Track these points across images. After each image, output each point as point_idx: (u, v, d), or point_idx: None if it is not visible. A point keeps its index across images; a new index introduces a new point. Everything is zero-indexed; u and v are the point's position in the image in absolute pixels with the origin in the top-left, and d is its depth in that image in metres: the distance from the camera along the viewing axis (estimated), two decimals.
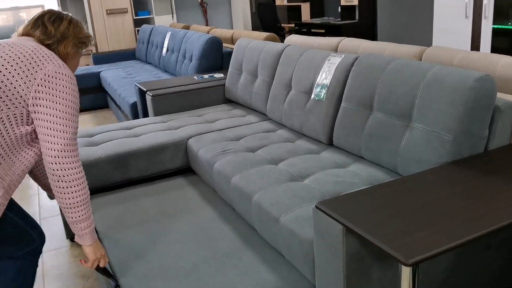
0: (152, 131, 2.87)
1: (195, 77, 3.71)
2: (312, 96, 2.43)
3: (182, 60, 4.49)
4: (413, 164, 1.83)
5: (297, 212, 1.72)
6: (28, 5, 6.55)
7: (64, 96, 1.46)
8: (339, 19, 6.53)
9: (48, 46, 1.57)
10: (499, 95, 1.90)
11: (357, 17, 6.17)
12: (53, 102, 1.45)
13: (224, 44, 4.52)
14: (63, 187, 1.47)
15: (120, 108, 4.62)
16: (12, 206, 1.61)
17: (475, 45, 4.20)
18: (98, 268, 1.69)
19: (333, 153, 2.25)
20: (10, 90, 1.41)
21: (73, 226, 1.55)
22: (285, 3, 7.75)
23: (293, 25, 7.28)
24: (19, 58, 1.44)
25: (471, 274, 1.66)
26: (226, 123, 2.93)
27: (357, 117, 2.12)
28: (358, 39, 2.84)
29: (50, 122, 1.45)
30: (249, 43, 3.28)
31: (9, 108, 1.42)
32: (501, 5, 3.94)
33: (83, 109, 5.61)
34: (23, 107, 1.44)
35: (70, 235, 2.58)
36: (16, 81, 1.41)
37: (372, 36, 6.23)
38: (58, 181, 1.47)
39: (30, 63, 1.44)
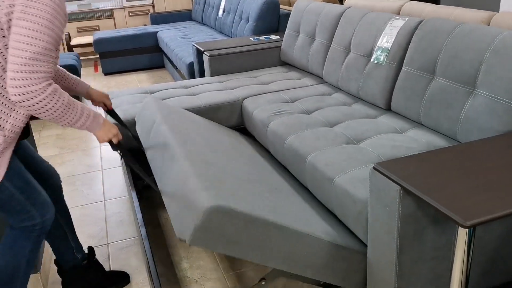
0: (209, 91, 2.94)
1: (251, 39, 3.72)
2: (372, 60, 2.40)
3: (238, 21, 4.49)
4: (475, 132, 1.79)
5: (352, 173, 1.74)
6: None
7: (35, 15, 1.31)
8: None
9: None
10: None
11: None
12: (20, 22, 1.31)
13: (281, 6, 4.48)
14: (34, 108, 1.37)
15: (176, 68, 4.72)
16: (14, 175, 1.51)
17: None
18: (116, 149, 1.70)
19: (391, 118, 2.24)
20: None
21: (73, 127, 1.51)
22: None
23: None
24: None
25: None
26: (281, 85, 2.95)
27: (418, 82, 2.08)
28: (422, 3, 2.74)
29: (18, 40, 1.31)
30: (308, 4, 3.24)
31: (3, 36, 1.35)
32: None
33: (141, 68, 5.77)
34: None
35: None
36: None
37: (436, 0, 5.95)
38: (23, 100, 1.34)
39: None
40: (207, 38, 4.84)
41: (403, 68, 2.18)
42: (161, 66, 5.85)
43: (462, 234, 1.23)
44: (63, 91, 1.44)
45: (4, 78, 1.40)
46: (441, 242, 1.47)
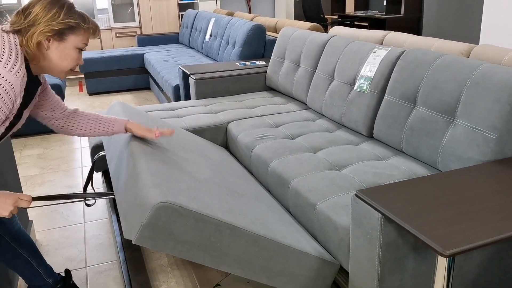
0: (194, 113, 2.95)
1: (237, 64, 3.76)
2: (355, 88, 2.44)
3: (225, 46, 4.54)
4: (454, 161, 1.82)
5: (335, 199, 1.75)
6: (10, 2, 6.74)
7: None
8: (384, 13, 6.43)
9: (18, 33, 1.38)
10: None
11: (402, 12, 6.06)
12: None
13: (267, 32, 4.55)
14: None
15: (162, 90, 4.73)
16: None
17: None
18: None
19: (373, 145, 2.26)
20: None
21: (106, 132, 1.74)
22: None
23: (336, 16, 7.22)
24: None
25: (504, 274, 1.65)
26: (266, 110, 2.97)
27: (400, 110, 2.12)
28: (404, 34, 2.82)
29: None
30: (293, 32, 3.30)
31: None
32: None
33: (126, 89, 5.76)
34: None
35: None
36: None
37: (417, 31, 6.12)
38: None
39: None
40: (194, 62, 4.88)
41: (385, 97, 2.23)
42: (147, 87, 5.86)
43: (442, 263, 1.24)
44: None
45: None
46: (422, 270, 1.48)
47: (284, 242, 1.52)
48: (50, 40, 1.41)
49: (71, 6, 1.45)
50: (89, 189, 2.24)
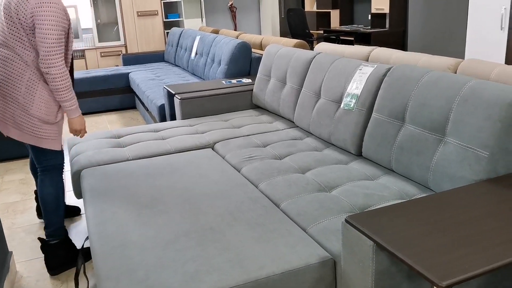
0: (179, 135, 2.88)
1: (223, 82, 3.71)
2: (342, 105, 2.40)
3: (210, 64, 4.50)
4: (446, 180, 1.78)
5: (325, 223, 1.69)
6: None
7: (49, 18, 2.02)
8: (369, 27, 6.46)
9: None
10: None
11: (387, 26, 6.09)
12: (37, 29, 2.03)
13: (252, 50, 4.52)
14: (50, 77, 2.08)
15: (147, 110, 4.66)
16: None
17: (510, 58, 4.09)
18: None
19: (362, 164, 2.21)
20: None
21: (62, 105, 2.16)
22: (315, 9, 7.72)
23: (322, 32, 7.24)
24: None
25: None
26: (253, 129, 2.92)
27: (388, 128, 2.08)
28: (390, 49, 2.79)
29: (40, 34, 2.04)
30: (278, 49, 3.26)
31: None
32: None
33: (111, 109, 5.69)
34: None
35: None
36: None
37: (403, 45, 6.14)
38: (47, 73, 2.07)
39: None
40: (180, 80, 4.82)
41: (373, 115, 2.18)
42: (133, 107, 5.79)
43: None
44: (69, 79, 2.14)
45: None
46: None
47: (262, 276, 1.44)
48: None
49: None
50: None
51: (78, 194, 2.53)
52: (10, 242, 2.66)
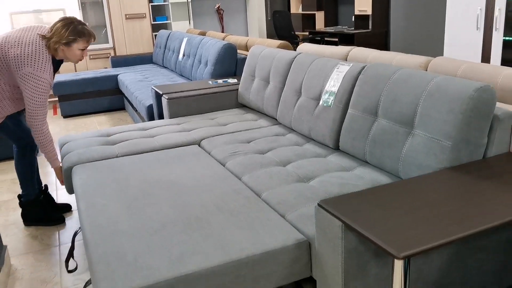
0: (167, 133, 3.00)
1: (210, 82, 3.83)
2: (321, 103, 2.53)
3: (197, 65, 4.62)
4: (414, 169, 1.91)
5: (301, 210, 1.82)
6: (50, 9, 6.76)
7: (34, 88, 2.41)
8: (353, 28, 6.62)
9: (47, 39, 2.45)
10: (500, 104, 1.98)
11: (370, 27, 6.25)
12: (26, 90, 2.42)
13: (238, 51, 4.65)
14: (33, 134, 2.52)
15: (136, 110, 4.77)
16: (11, 118, 2.65)
17: (486, 56, 4.25)
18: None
19: (339, 157, 2.35)
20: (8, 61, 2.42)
21: (47, 158, 2.60)
22: (300, 11, 7.87)
23: (307, 33, 7.39)
24: (22, 44, 2.41)
25: (464, 275, 1.74)
26: (238, 126, 3.04)
27: (363, 123, 2.21)
28: (368, 49, 2.94)
29: (26, 97, 2.44)
30: (262, 50, 3.39)
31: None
32: None
33: (101, 110, 5.77)
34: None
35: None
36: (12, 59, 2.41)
37: (385, 46, 6.31)
38: (30, 125, 2.50)
39: (22, 56, 2.39)
40: (168, 81, 4.94)
41: (349, 111, 2.32)
42: (122, 108, 5.88)
43: (398, 266, 1.31)
44: (49, 135, 2.57)
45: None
46: (383, 275, 1.55)
47: (242, 256, 1.56)
48: (61, 46, 2.47)
49: (75, 26, 2.47)
50: (71, 261, 2.44)
51: (70, 189, 2.63)
52: (4, 237, 2.75)
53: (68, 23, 2.47)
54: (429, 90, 1.92)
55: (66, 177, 2.59)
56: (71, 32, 2.46)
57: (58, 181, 3.59)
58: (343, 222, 1.42)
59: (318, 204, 1.52)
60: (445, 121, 1.81)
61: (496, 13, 3.98)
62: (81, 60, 2.59)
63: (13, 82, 2.48)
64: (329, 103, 2.46)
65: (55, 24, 2.48)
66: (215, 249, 1.60)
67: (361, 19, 6.43)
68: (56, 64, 2.62)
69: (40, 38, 2.44)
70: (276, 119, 3.13)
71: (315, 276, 1.67)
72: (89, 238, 1.76)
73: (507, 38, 3.98)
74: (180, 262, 1.53)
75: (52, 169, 3.77)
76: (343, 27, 7.07)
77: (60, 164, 2.65)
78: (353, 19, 6.75)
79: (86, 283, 1.94)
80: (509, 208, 1.42)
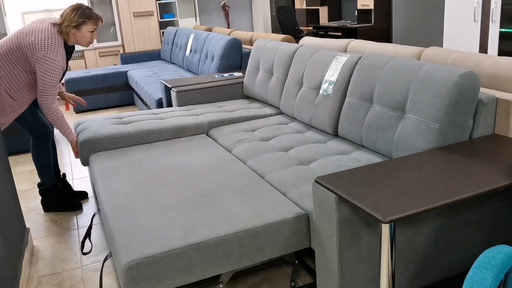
0: (176, 116, 3.17)
1: (216, 76, 4.00)
2: (321, 92, 2.69)
3: (204, 60, 4.79)
4: (405, 151, 2.07)
5: (301, 189, 1.98)
6: (60, 8, 6.96)
7: (47, 70, 2.59)
8: (356, 23, 6.75)
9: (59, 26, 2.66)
10: (486, 90, 2.13)
11: (372, 21, 6.39)
12: (40, 71, 2.60)
13: (243, 46, 4.81)
14: (45, 112, 2.70)
15: (146, 105, 4.95)
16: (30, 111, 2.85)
17: (483, 48, 4.38)
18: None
19: (338, 142, 2.51)
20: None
21: (62, 133, 2.77)
22: (304, 6, 8.01)
23: (311, 28, 7.53)
24: (34, 34, 2.60)
25: (452, 247, 1.89)
26: (244, 113, 3.20)
27: (359, 110, 2.37)
28: (366, 41, 3.09)
29: (38, 78, 2.62)
30: (265, 44, 3.55)
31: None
32: (508, 9, 4.13)
33: (111, 106, 5.97)
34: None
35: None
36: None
37: (387, 39, 6.44)
38: (43, 107, 2.69)
39: (36, 42, 2.58)
40: (175, 76, 5.11)
41: (347, 98, 2.48)
42: (131, 103, 6.07)
43: (385, 230, 1.47)
44: (59, 111, 2.75)
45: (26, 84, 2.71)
46: (375, 243, 1.71)
47: (247, 227, 1.73)
48: (72, 30, 2.66)
49: (83, 10, 2.68)
50: (87, 243, 2.62)
51: (85, 162, 2.83)
52: (26, 222, 2.95)
53: (77, 8, 2.67)
54: (419, 77, 2.07)
55: (81, 150, 2.77)
56: (80, 15, 2.65)
57: (73, 168, 3.78)
58: (337, 195, 1.58)
59: (315, 180, 1.68)
60: (433, 105, 1.96)
61: (492, 5, 4.11)
62: (91, 42, 2.76)
63: (30, 68, 2.65)
64: (329, 92, 2.61)
65: (64, 10, 2.70)
66: (222, 222, 1.77)
67: (364, 14, 6.57)
68: (68, 50, 2.80)
69: (52, 26, 2.64)
70: (279, 109, 3.29)
71: (313, 247, 1.84)
72: (109, 215, 1.94)
73: (503, 30, 4.11)
74: (191, 233, 1.71)
75: (70, 148, 3.97)
76: (346, 21, 7.21)
77: (75, 138, 2.82)
78: (356, 14, 6.88)
79: (106, 257, 2.11)
80: (489, 181, 1.58)
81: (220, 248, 1.70)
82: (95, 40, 7.40)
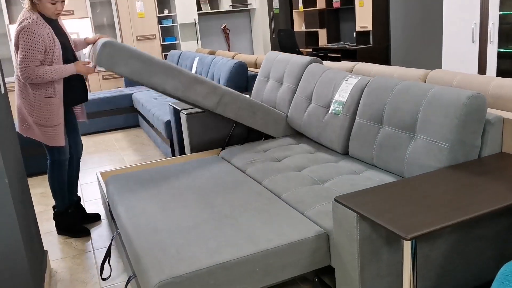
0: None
1: None
2: (330, 111, 2.78)
3: None
4: (417, 169, 2.15)
5: (319, 208, 2.05)
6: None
7: (26, 41, 2.62)
8: (355, 44, 6.90)
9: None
10: (492, 110, 2.23)
11: (371, 42, 6.54)
12: (21, 44, 2.64)
13: (248, 69, 4.92)
14: (29, 81, 2.69)
15: (153, 127, 5.03)
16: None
17: (482, 67, 4.51)
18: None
19: (349, 162, 2.59)
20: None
21: (64, 76, 2.76)
22: (303, 29, 8.18)
23: (311, 49, 7.69)
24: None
25: (466, 262, 1.96)
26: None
27: (369, 130, 2.46)
28: (371, 64, 3.20)
29: (19, 51, 2.65)
30: (277, 55, 3.66)
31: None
32: (506, 29, 4.28)
33: (117, 128, 6.04)
34: None
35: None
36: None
37: (386, 60, 6.59)
38: (25, 80, 2.68)
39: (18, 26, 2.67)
40: None
41: (356, 119, 2.57)
42: (137, 125, 6.15)
43: (407, 247, 1.54)
44: (44, 69, 2.69)
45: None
46: (395, 260, 1.78)
47: (270, 247, 1.80)
48: (35, 3, 2.69)
49: None
50: (106, 266, 2.65)
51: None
52: (44, 244, 2.99)
53: None
54: (428, 99, 2.17)
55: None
56: None
57: (84, 192, 3.83)
58: (357, 213, 1.66)
59: (335, 200, 1.76)
60: (443, 126, 2.05)
61: (490, 26, 4.25)
62: (57, 14, 2.76)
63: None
64: (338, 112, 2.71)
65: None
66: (245, 242, 1.84)
67: (362, 35, 6.72)
68: (55, 27, 2.80)
69: (27, 9, 2.72)
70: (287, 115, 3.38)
71: (334, 265, 1.90)
72: (133, 237, 1.99)
73: (501, 50, 4.24)
74: (216, 253, 1.77)
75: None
76: (345, 43, 7.37)
77: (75, 65, 2.79)
78: (354, 35, 7.05)
79: (129, 278, 2.16)
80: (501, 198, 1.66)
81: (245, 267, 1.76)
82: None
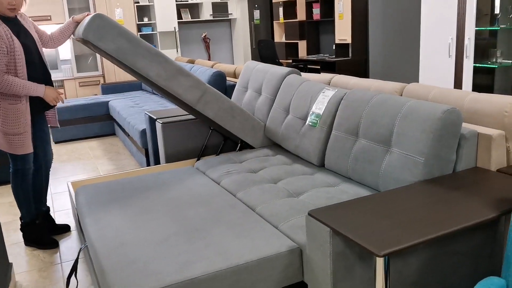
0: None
1: None
2: (307, 122, 2.76)
3: None
4: (392, 183, 2.13)
5: (293, 221, 2.01)
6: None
7: None
8: (334, 56, 6.94)
9: None
10: (466, 125, 2.23)
11: (350, 55, 6.58)
12: None
13: (227, 78, 4.88)
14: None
15: (128, 135, 4.94)
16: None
17: (458, 82, 4.57)
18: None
19: (325, 174, 2.56)
20: None
21: (29, 94, 2.64)
22: (284, 40, 8.20)
23: (290, 61, 7.70)
24: None
25: (441, 278, 1.94)
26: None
27: (345, 143, 2.44)
28: (349, 76, 3.19)
29: None
30: (256, 65, 3.63)
31: None
32: (481, 45, 4.34)
33: (91, 136, 5.92)
34: None
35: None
36: None
37: (364, 73, 6.63)
38: None
39: None
40: (158, 107, 5.13)
41: (333, 132, 2.54)
42: (112, 133, 6.04)
43: (379, 263, 1.51)
44: (14, 80, 2.57)
45: None
46: (368, 276, 1.74)
47: (241, 262, 1.75)
48: None
49: None
50: (73, 279, 2.57)
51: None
52: (9, 256, 2.87)
53: None
54: (403, 112, 2.15)
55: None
56: None
57: (54, 203, 3.71)
58: (331, 228, 1.62)
59: (309, 214, 1.72)
60: (418, 140, 2.04)
61: (466, 41, 4.31)
62: (12, 10, 2.56)
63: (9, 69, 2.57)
64: (315, 124, 2.68)
65: None
66: (216, 256, 1.78)
67: (342, 48, 6.77)
68: (13, 27, 2.63)
69: None
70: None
71: (306, 280, 1.85)
72: (100, 250, 1.92)
73: (477, 64, 4.30)
74: (186, 268, 1.71)
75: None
76: (325, 55, 7.41)
77: (45, 87, 2.69)
78: (334, 48, 7.08)
79: None
80: (475, 214, 1.64)
81: (215, 283, 1.70)
82: (74, 70, 7.41)
